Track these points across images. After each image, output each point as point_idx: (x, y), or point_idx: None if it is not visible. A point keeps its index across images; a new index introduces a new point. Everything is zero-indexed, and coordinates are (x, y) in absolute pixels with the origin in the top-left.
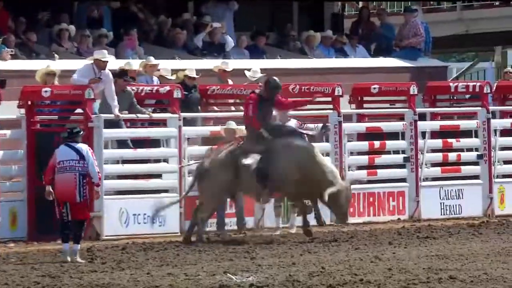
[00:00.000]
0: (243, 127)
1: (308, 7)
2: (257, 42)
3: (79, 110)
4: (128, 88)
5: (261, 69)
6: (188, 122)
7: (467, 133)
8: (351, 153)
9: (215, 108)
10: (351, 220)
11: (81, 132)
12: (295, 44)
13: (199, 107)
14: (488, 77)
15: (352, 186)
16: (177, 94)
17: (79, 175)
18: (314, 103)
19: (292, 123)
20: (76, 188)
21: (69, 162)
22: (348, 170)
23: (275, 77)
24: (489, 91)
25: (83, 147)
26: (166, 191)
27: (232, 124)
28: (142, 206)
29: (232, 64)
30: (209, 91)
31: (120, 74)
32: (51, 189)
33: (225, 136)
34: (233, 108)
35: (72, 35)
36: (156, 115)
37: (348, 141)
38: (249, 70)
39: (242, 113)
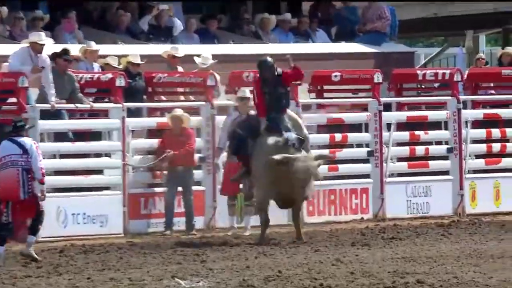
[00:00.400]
0: (188, 116)
1: None
2: (207, 26)
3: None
4: (70, 72)
5: (212, 55)
6: (132, 112)
7: (436, 125)
8: (311, 147)
9: (162, 97)
10: (310, 219)
11: (26, 126)
12: (249, 28)
13: (145, 97)
14: (459, 64)
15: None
16: (120, 82)
17: (22, 170)
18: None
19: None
20: (19, 184)
21: (11, 157)
22: None
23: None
24: (459, 79)
25: (26, 140)
26: (107, 188)
27: (178, 112)
28: (82, 204)
29: (181, 49)
30: (155, 79)
31: (59, 54)
32: None
33: (171, 125)
34: (182, 97)
35: (4, 17)
36: (97, 105)
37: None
38: (199, 56)
39: (191, 103)
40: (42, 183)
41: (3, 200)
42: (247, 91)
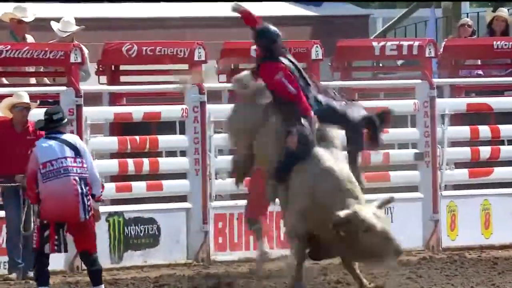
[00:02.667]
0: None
1: None
2: None
3: None
4: None
5: (77, 18)
6: None
7: (400, 120)
8: None
9: (4, 80)
10: (219, 257)
11: (65, 120)
12: None
13: None
14: (430, 33)
15: (221, 204)
16: None
17: (80, 179)
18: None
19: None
20: (79, 200)
21: (61, 162)
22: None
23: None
24: (433, 54)
25: (75, 139)
26: None
27: (22, 97)
28: None
29: (32, 10)
30: None
31: None
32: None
33: (13, 118)
34: (33, 80)
35: None
36: None
37: (217, 132)
38: (58, 21)
39: (49, 87)
40: (99, 200)
41: (51, 222)
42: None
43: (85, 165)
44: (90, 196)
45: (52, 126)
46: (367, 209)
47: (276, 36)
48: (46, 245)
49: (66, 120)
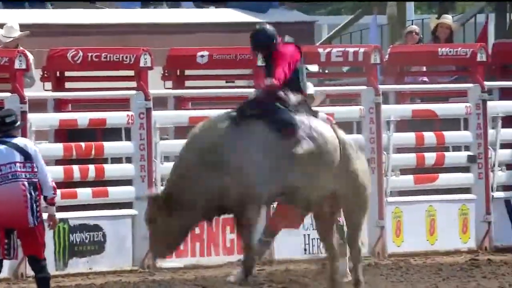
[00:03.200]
0: None
1: None
2: None
3: None
4: None
5: (21, 24)
6: None
7: (346, 126)
8: None
9: None
10: (165, 263)
11: (18, 123)
12: None
13: None
14: (372, 40)
15: None
16: None
17: (29, 184)
18: None
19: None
20: (28, 205)
21: (10, 167)
22: None
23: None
24: (378, 60)
25: (26, 142)
26: None
27: None
28: None
29: None
30: None
31: None
32: None
33: None
34: None
35: None
36: None
37: (163, 138)
38: (1, 26)
39: None
40: (52, 203)
41: (0, 228)
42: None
43: (35, 170)
44: (40, 202)
45: (4, 129)
46: None
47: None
48: None
49: (18, 123)
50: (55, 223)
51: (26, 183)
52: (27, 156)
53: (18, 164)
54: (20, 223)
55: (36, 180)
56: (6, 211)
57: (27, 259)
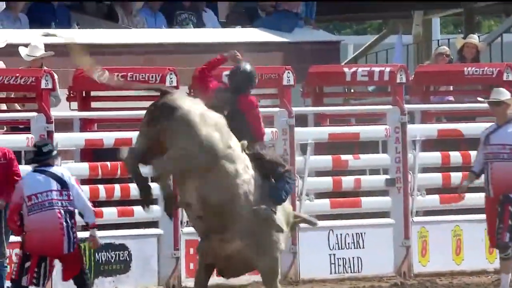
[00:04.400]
0: None
1: None
2: (40, 3)
3: None
4: None
5: (46, 44)
6: None
7: (371, 146)
8: None
9: None
10: (190, 283)
11: (54, 152)
12: (100, 7)
13: None
14: (397, 59)
15: (192, 229)
16: None
17: (65, 212)
18: None
19: None
20: (64, 233)
21: (47, 195)
22: None
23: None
24: (404, 80)
25: (62, 171)
26: None
27: None
28: None
29: (3, 37)
30: None
31: None
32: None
33: None
34: (3, 106)
35: None
36: None
37: None
38: (26, 46)
39: (20, 114)
40: (95, 227)
41: (34, 255)
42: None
43: (71, 198)
44: (76, 229)
45: (41, 159)
46: None
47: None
48: (24, 277)
49: (55, 152)
50: (96, 245)
51: (62, 211)
52: (63, 185)
53: (54, 192)
54: (56, 251)
55: (72, 208)
56: (42, 239)
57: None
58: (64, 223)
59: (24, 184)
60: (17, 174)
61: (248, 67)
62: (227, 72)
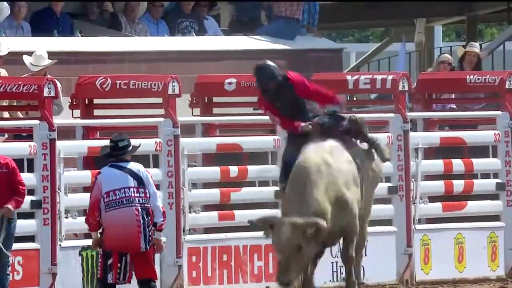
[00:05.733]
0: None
1: None
2: (45, 11)
3: None
4: None
5: (49, 52)
6: None
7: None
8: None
9: None
10: None
11: (131, 147)
12: (103, 14)
13: None
14: (400, 67)
15: (195, 237)
16: None
17: (142, 209)
18: None
19: None
20: (141, 230)
21: (124, 192)
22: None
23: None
24: (406, 87)
25: (139, 167)
26: None
27: None
28: None
29: (6, 44)
30: None
31: None
32: (98, 236)
33: None
34: (6, 114)
35: None
36: None
37: (191, 165)
38: (30, 54)
39: (22, 121)
40: (161, 229)
41: (114, 252)
42: None
43: (147, 195)
44: (151, 226)
45: (117, 153)
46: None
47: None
48: (109, 274)
49: (131, 147)
50: (160, 248)
51: (139, 208)
52: (140, 181)
53: (132, 189)
54: (133, 247)
55: (149, 205)
56: (120, 235)
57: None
58: (141, 220)
59: (102, 180)
60: (21, 183)
61: (260, 62)
62: (229, 80)
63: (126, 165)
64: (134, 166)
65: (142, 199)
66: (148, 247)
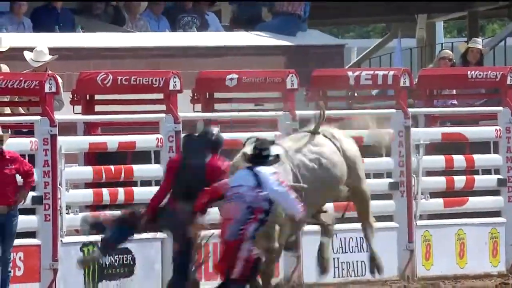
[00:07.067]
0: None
1: None
2: (45, 6)
3: None
4: None
5: (50, 48)
6: None
7: (375, 150)
8: None
9: None
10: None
11: (270, 158)
12: (106, 10)
13: None
14: (397, 63)
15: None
16: None
17: (247, 207)
18: None
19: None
20: (232, 222)
21: (238, 189)
22: None
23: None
24: (407, 83)
25: (265, 170)
26: None
27: None
28: None
29: (6, 40)
30: None
31: None
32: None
33: None
34: (7, 110)
35: None
36: None
37: None
38: (31, 50)
39: (23, 117)
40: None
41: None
42: None
43: (260, 196)
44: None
45: (258, 161)
46: None
47: None
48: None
49: (271, 158)
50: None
51: (246, 205)
52: (259, 183)
53: (245, 187)
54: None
55: (257, 206)
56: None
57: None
58: (241, 215)
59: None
60: (30, 168)
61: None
62: (231, 76)
63: (256, 168)
64: (263, 169)
65: (252, 198)
66: (231, 239)
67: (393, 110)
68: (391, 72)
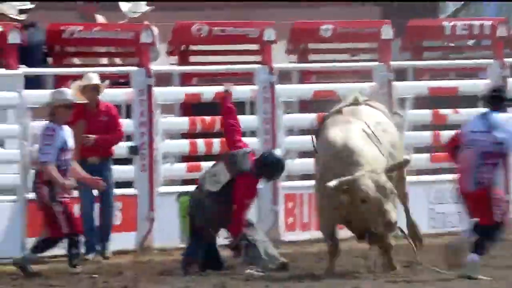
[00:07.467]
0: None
1: None
2: None
3: None
4: None
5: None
6: (31, 82)
7: (470, 100)
8: None
9: (76, 60)
10: (291, 236)
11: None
12: None
13: (50, 59)
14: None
15: None
16: (14, 37)
17: (479, 152)
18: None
19: None
20: (469, 171)
21: (471, 135)
22: None
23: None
24: (504, 34)
25: (499, 116)
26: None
27: (92, 78)
28: None
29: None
30: (66, 33)
31: None
32: None
33: (84, 98)
34: (104, 60)
35: None
36: None
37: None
38: (127, 1)
39: (120, 68)
40: None
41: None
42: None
43: (496, 140)
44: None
45: (501, 104)
46: (367, 179)
47: None
48: None
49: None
50: None
51: (478, 151)
52: (489, 126)
53: (478, 133)
54: (462, 186)
55: (491, 150)
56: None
57: None
58: (473, 162)
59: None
60: (119, 129)
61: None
62: (325, 26)
63: (491, 114)
64: (498, 115)
65: (484, 143)
66: (475, 188)
67: (491, 61)
68: (488, 22)
